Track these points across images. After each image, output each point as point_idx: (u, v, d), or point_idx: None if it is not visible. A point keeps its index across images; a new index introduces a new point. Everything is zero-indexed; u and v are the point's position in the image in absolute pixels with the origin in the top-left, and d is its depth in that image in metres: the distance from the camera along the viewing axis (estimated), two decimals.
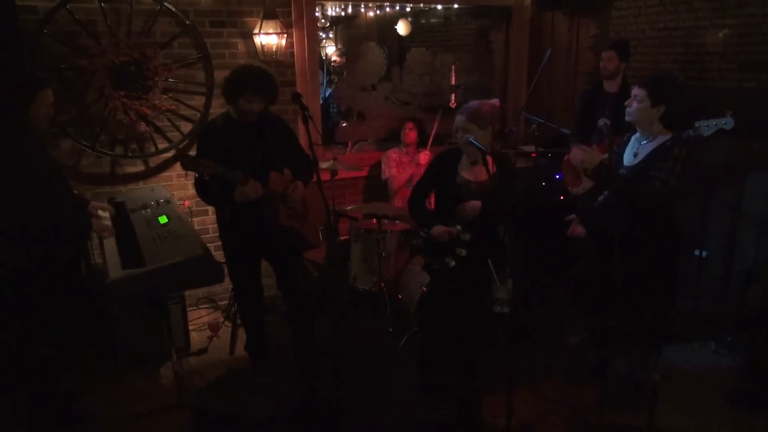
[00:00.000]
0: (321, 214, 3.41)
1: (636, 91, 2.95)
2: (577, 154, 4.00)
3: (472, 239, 3.01)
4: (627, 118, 3.00)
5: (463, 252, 3.01)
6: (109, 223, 3.32)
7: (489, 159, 2.91)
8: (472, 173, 3.05)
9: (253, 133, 3.17)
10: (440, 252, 3.06)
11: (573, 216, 3.38)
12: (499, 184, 2.89)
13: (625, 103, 3.01)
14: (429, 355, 3.39)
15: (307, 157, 2.89)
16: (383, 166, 4.71)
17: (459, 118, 2.97)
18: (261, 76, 3.09)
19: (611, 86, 3.97)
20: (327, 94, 5.73)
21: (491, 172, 2.85)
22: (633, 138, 3.09)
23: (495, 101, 3.04)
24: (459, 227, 2.99)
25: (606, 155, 3.76)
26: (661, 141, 2.93)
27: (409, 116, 4.90)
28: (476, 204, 2.98)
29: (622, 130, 3.65)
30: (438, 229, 3.03)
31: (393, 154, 4.71)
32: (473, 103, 2.97)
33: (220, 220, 3.43)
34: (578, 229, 3.30)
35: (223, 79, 3.12)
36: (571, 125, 4.39)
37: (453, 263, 3.01)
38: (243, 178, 3.08)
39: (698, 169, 3.44)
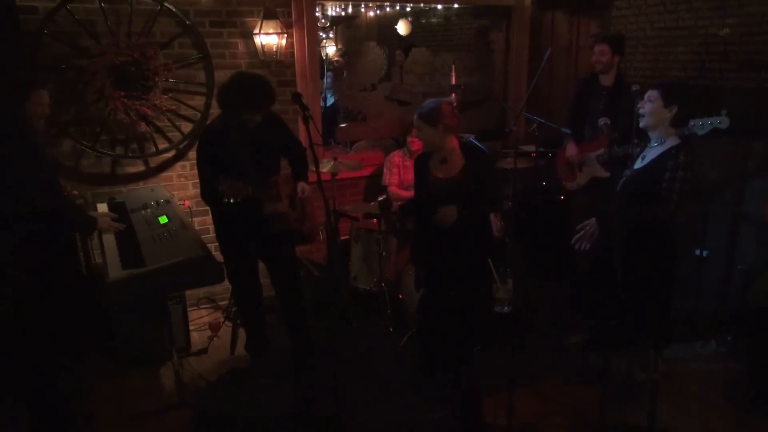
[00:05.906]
0: (322, 211, 3.44)
1: (649, 93, 2.95)
2: (572, 149, 4.01)
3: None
4: (641, 124, 2.97)
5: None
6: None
7: (458, 152, 3.08)
8: (441, 170, 3.13)
9: (254, 135, 3.16)
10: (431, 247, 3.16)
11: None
12: (472, 173, 3.04)
13: (638, 106, 2.95)
14: (428, 354, 3.40)
15: (300, 144, 2.91)
16: (384, 170, 4.67)
17: (414, 117, 3.14)
18: (260, 89, 3.04)
19: (606, 80, 3.96)
20: (327, 89, 5.72)
21: (463, 162, 3.05)
22: (647, 146, 3.07)
23: (446, 100, 3.15)
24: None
25: (602, 151, 3.78)
26: (669, 146, 2.90)
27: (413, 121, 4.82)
28: (451, 209, 3.02)
29: (618, 125, 3.65)
30: None
31: (395, 158, 4.64)
32: (425, 103, 3.10)
33: (219, 222, 3.41)
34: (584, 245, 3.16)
35: (221, 94, 3.07)
36: (565, 117, 4.37)
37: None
38: (275, 196, 3.12)
39: (697, 175, 3.39)
